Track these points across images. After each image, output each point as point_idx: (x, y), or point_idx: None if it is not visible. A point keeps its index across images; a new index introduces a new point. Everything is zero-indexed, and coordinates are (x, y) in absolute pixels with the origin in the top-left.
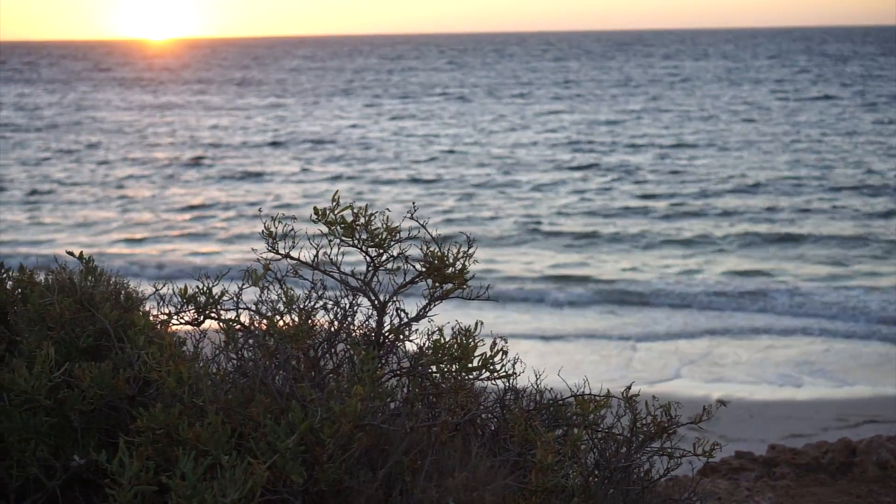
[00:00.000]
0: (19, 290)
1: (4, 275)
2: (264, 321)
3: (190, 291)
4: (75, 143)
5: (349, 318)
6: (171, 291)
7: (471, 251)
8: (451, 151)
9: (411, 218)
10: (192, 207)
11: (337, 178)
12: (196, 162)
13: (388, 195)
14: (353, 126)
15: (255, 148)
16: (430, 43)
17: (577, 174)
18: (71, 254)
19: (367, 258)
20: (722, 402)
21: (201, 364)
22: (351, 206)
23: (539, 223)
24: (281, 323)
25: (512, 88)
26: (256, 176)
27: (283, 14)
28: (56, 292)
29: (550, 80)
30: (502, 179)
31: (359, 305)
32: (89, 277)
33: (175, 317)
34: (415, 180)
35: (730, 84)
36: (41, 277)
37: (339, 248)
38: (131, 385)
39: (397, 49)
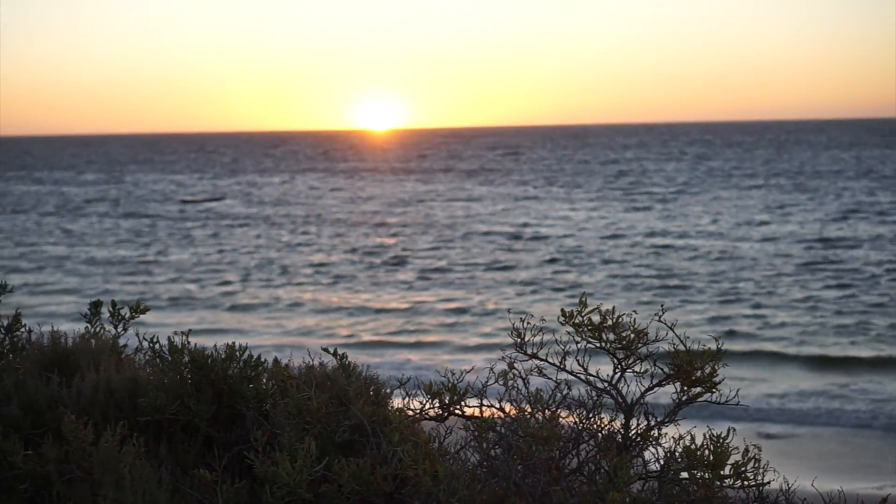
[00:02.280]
0: (273, 382)
1: (261, 368)
2: (510, 419)
3: (434, 388)
4: (300, 234)
5: (593, 419)
6: (414, 387)
7: (719, 355)
8: (685, 247)
9: (659, 320)
10: (425, 302)
11: (569, 274)
12: (429, 254)
13: (625, 295)
14: (583, 217)
15: (491, 240)
16: (634, 133)
17: (821, 280)
18: (326, 350)
19: (614, 360)
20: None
21: (455, 462)
22: (598, 309)
23: (796, 333)
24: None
25: (739, 179)
26: (495, 270)
27: (488, 104)
28: (313, 387)
29: (768, 169)
30: (749, 275)
31: (603, 406)
32: (343, 373)
33: (421, 412)
34: (658, 276)
35: None
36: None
37: (585, 350)
38: (389, 482)
39: (614, 139)
